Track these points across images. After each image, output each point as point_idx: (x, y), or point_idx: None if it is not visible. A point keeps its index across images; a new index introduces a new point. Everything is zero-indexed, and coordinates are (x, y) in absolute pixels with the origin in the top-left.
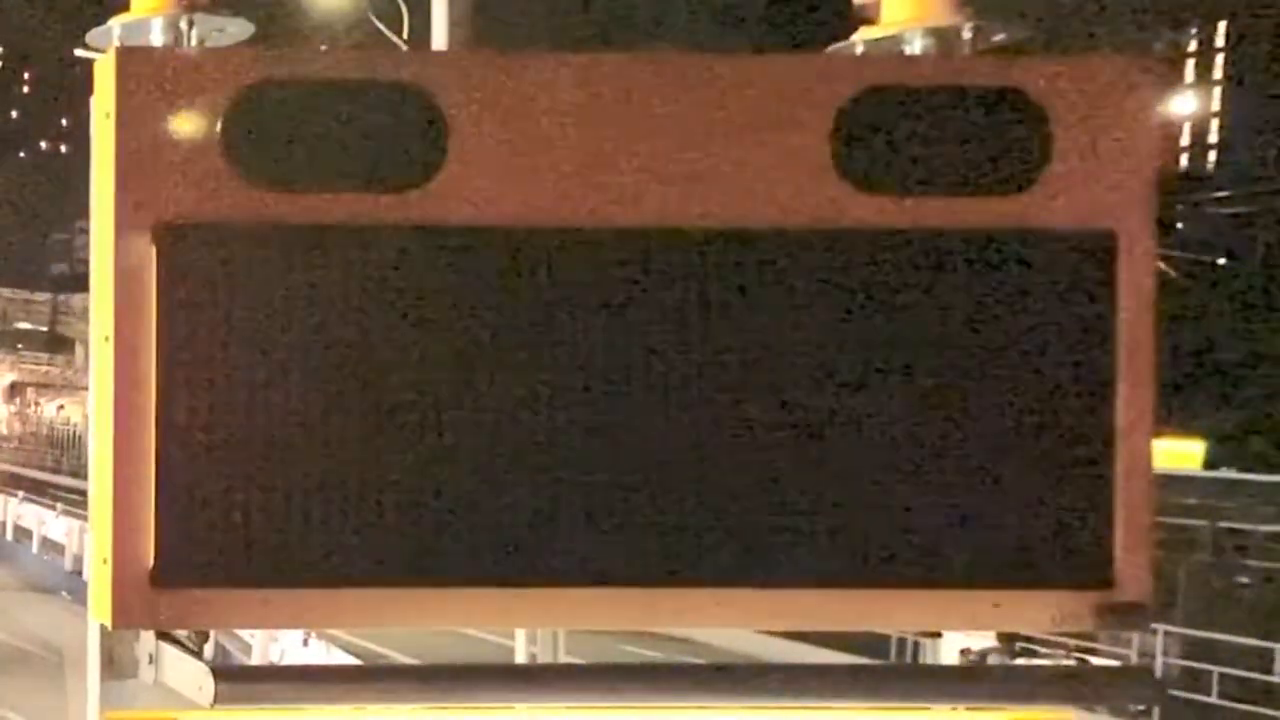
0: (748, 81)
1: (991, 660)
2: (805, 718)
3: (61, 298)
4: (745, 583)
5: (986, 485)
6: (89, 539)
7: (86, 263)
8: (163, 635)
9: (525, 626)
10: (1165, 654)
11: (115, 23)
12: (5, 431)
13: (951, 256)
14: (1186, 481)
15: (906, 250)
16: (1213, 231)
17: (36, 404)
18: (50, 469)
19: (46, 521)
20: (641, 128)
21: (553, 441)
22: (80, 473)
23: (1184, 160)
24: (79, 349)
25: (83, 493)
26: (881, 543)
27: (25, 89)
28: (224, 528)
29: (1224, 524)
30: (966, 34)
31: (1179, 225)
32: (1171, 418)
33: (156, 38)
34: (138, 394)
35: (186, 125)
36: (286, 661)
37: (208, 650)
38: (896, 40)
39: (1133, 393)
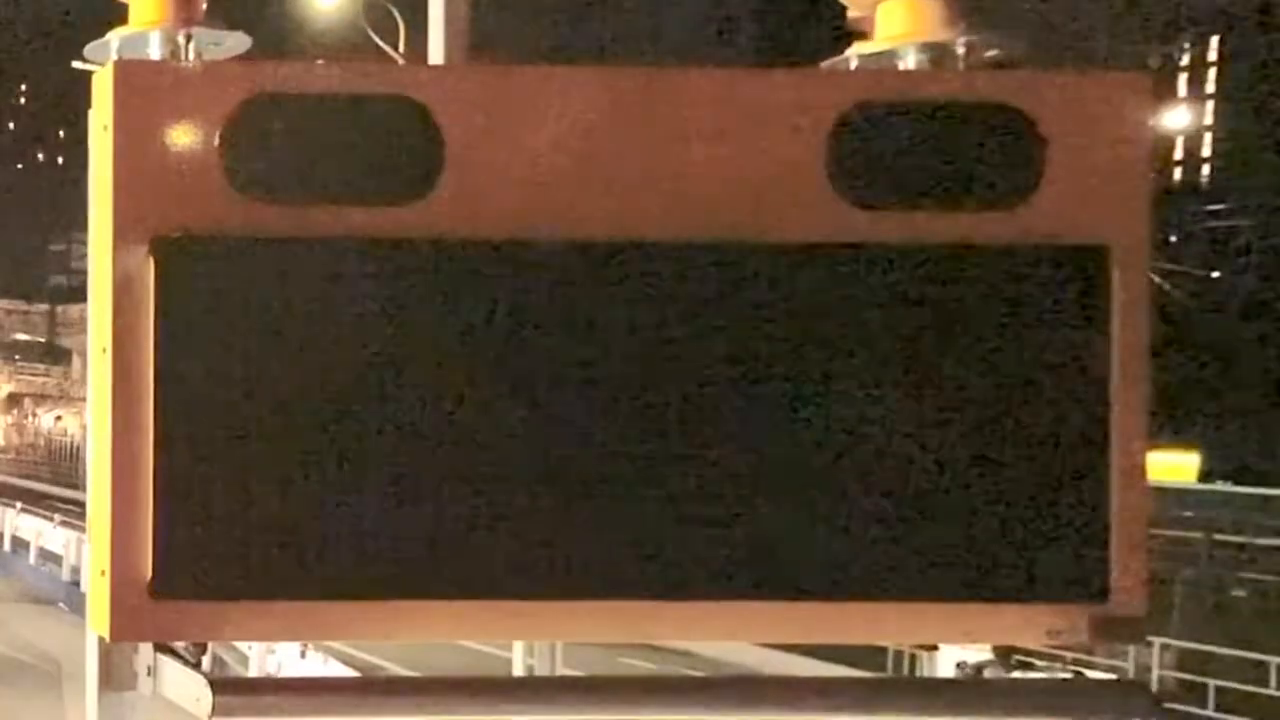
0: (742, 95)
1: (988, 673)
2: None
3: (59, 309)
4: (743, 596)
5: (981, 499)
6: (86, 550)
7: (83, 274)
8: (161, 647)
9: (523, 639)
10: (1161, 666)
11: (113, 36)
12: (3, 443)
13: (945, 271)
14: (1181, 495)
15: (900, 265)
16: (1206, 245)
17: (34, 415)
18: (47, 480)
19: (44, 532)
20: (636, 141)
21: (551, 455)
22: (77, 484)
23: (1177, 174)
24: (76, 360)
25: (80, 504)
26: (877, 556)
27: (22, 101)
28: (222, 539)
29: (1219, 536)
30: (960, 49)
31: (1172, 239)
32: (1165, 430)
33: (154, 51)
34: (135, 406)
35: (184, 138)
36: (284, 673)
37: (205, 662)
38: (891, 55)
39: (1127, 406)
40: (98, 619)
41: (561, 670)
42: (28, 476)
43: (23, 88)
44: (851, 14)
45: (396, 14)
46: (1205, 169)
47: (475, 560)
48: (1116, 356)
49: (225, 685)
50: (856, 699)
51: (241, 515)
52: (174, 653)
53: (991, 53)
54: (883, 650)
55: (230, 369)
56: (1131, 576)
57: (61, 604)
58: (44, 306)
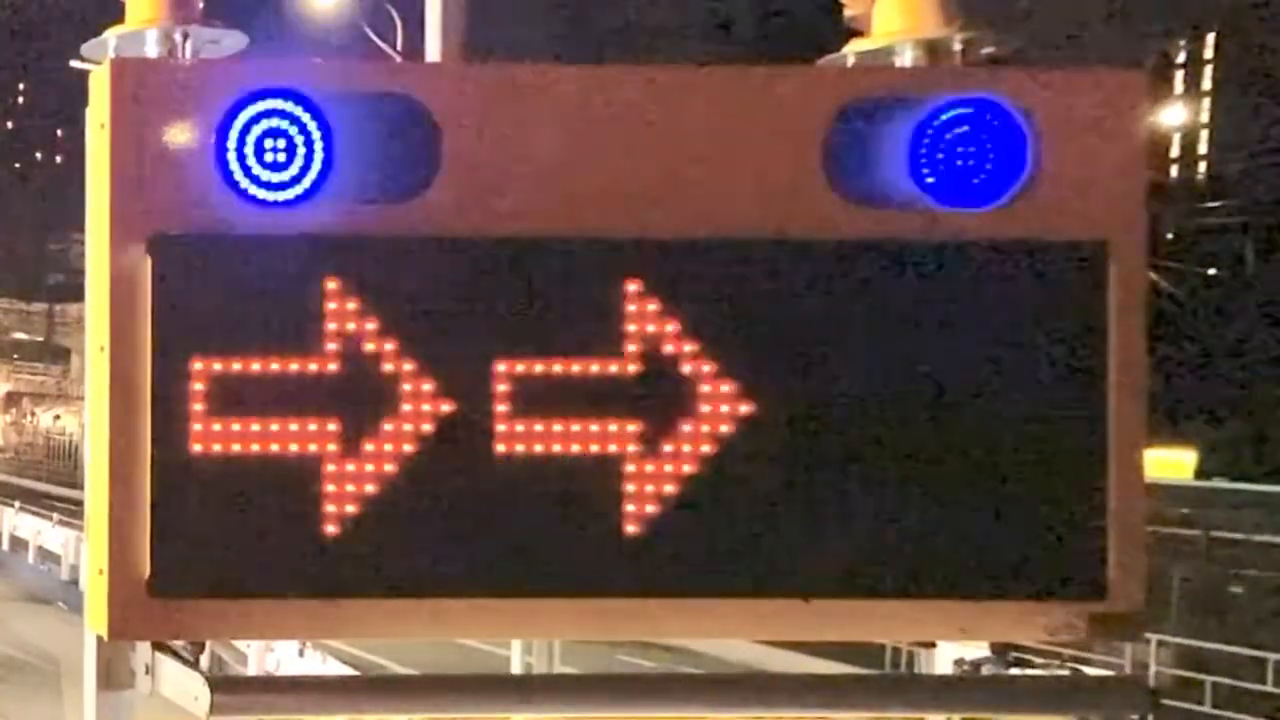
0: (739, 93)
1: (986, 670)
2: None
3: (58, 308)
4: (742, 593)
5: (979, 496)
6: (85, 549)
7: (82, 273)
8: (159, 646)
9: (521, 637)
10: (1158, 663)
11: (111, 35)
12: (1, 442)
13: (943, 268)
14: (1178, 491)
15: (896, 261)
16: (1203, 242)
17: (33, 414)
18: (46, 479)
19: (43, 531)
20: (633, 139)
21: (544, 451)
22: (76, 483)
23: (1173, 171)
24: (75, 359)
25: (78, 503)
26: (876, 554)
27: (20, 100)
28: (220, 538)
29: (1216, 533)
30: (956, 46)
31: (1169, 235)
32: (1161, 427)
33: (151, 50)
34: (133, 404)
35: (181, 136)
36: (282, 672)
37: (204, 661)
38: (887, 52)
39: (1124, 402)
40: (96, 618)
41: (560, 669)
42: (26, 475)
43: (21, 86)
44: (848, 12)
45: (394, 13)
46: (1202, 166)
47: (475, 560)
48: (1114, 352)
49: (223, 684)
50: (855, 695)
51: (239, 514)
52: (172, 651)
53: (988, 50)
54: (881, 647)
55: (227, 366)
56: (1129, 573)
57: (60, 603)
58: (43, 305)
